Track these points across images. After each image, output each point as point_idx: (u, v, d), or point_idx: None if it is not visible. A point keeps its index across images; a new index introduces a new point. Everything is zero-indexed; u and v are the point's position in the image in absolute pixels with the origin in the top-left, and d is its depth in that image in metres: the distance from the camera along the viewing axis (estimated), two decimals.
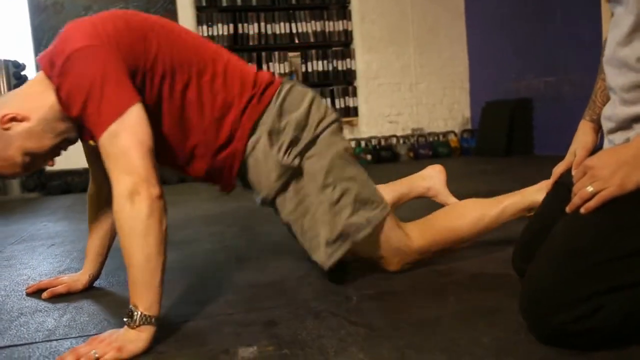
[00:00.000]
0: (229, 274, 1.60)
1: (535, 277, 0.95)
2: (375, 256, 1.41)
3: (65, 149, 1.28)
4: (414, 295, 1.29)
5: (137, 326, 1.06)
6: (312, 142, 1.33)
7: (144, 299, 1.06)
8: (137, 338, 1.06)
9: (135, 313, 1.06)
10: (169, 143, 1.29)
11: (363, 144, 6.27)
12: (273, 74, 1.41)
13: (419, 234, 1.42)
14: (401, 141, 6.38)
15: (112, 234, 1.51)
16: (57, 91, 1.17)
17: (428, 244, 1.43)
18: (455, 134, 6.47)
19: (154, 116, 1.20)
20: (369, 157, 6.07)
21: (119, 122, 1.08)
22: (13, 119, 1.19)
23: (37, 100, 1.20)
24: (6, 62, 4.95)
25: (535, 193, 1.48)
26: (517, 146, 5.54)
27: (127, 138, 1.08)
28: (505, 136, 5.57)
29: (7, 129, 1.19)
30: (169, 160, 1.33)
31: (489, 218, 1.47)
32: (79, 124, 1.20)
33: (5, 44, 5.85)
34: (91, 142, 1.32)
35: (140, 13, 1.26)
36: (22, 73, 5.01)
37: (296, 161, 1.30)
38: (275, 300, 1.33)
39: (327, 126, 1.35)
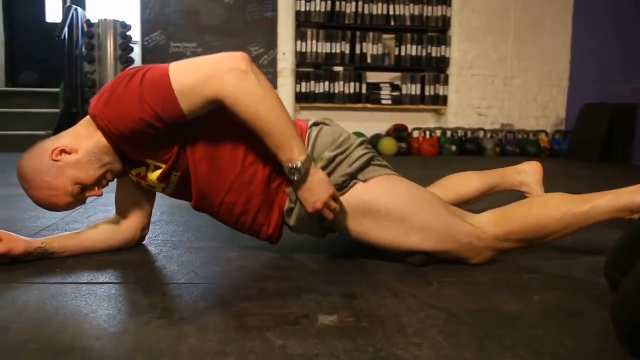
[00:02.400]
0: (314, 247, 1.64)
1: (633, 288, 0.92)
2: (451, 255, 1.40)
3: (111, 180, 1.39)
4: (495, 288, 1.28)
5: (307, 174, 1.26)
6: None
7: (293, 147, 1.23)
8: (321, 179, 1.29)
9: (297, 164, 1.24)
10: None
11: (449, 134, 6.16)
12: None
13: (494, 223, 1.39)
14: (489, 135, 6.22)
15: (94, 250, 1.50)
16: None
17: (504, 233, 1.38)
18: (547, 134, 6.22)
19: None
20: (453, 148, 5.96)
21: (173, 71, 1.23)
22: (63, 151, 1.33)
23: (85, 135, 1.34)
24: (115, 22, 5.23)
25: (634, 194, 1.39)
26: (613, 153, 5.26)
27: (189, 66, 1.24)
28: (602, 141, 5.30)
29: (57, 161, 1.32)
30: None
31: (575, 213, 1.39)
32: (124, 155, 1.35)
33: (115, 4, 6.17)
34: (132, 175, 1.41)
35: None
36: (128, 34, 5.28)
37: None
38: (356, 276, 1.35)
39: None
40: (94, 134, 1.33)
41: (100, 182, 1.37)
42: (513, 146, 6.08)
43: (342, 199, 1.35)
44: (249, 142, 1.34)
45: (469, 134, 6.20)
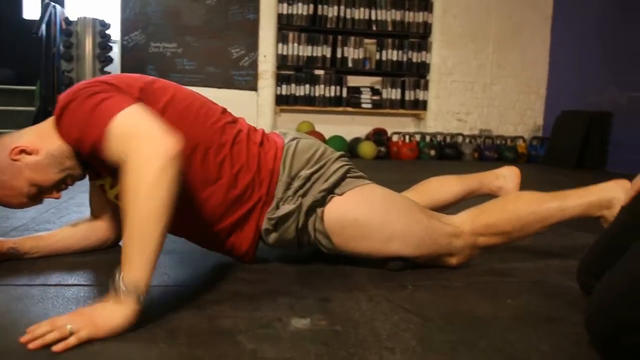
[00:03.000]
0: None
1: (607, 294, 0.92)
2: (431, 257, 1.40)
3: (71, 184, 1.33)
4: (469, 291, 1.28)
5: (119, 301, 0.97)
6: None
7: (134, 269, 0.98)
8: (119, 315, 0.96)
9: (121, 284, 0.97)
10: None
11: (428, 138, 6.19)
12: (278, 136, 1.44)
13: (471, 220, 1.40)
14: (467, 140, 6.26)
15: (68, 251, 1.47)
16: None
17: (481, 227, 1.39)
18: (524, 140, 6.28)
19: None
20: (432, 152, 5.99)
21: (121, 114, 1.10)
22: (23, 151, 1.25)
23: (48, 135, 1.26)
24: (94, 20, 5.16)
25: (606, 190, 1.43)
26: (589, 160, 5.33)
27: (133, 119, 1.10)
28: (578, 148, 5.37)
29: (16, 160, 1.25)
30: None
31: (549, 207, 1.41)
32: (86, 161, 1.27)
33: (94, 2, 6.08)
34: (98, 182, 1.39)
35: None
36: (107, 32, 5.21)
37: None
38: (332, 280, 1.34)
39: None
40: (57, 134, 1.25)
41: (59, 186, 1.31)
42: (491, 151, 6.13)
43: (322, 211, 1.34)
44: (215, 167, 1.29)
45: (448, 139, 6.23)
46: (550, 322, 1.10)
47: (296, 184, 1.34)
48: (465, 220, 1.40)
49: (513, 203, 1.43)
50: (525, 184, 1.77)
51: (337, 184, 1.37)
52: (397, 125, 6.21)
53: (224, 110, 1.39)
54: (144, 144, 1.04)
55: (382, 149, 5.83)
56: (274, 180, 1.34)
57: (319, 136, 5.72)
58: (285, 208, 1.33)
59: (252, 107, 5.93)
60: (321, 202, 1.35)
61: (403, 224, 1.35)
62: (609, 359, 0.91)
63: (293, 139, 1.42)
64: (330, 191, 1.35)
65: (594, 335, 0.94)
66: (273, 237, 1.36)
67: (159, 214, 1.00)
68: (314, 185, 1.35)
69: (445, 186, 1.82)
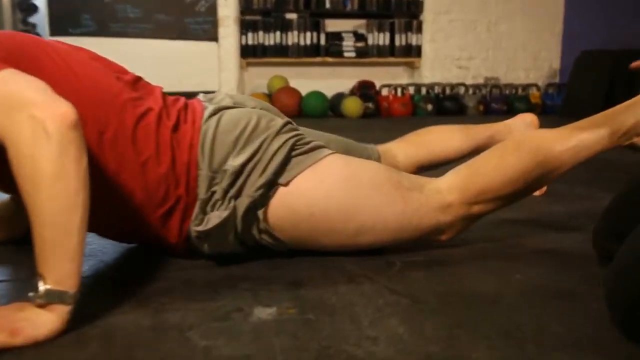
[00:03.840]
0: None
1: (630, 257, 0.91)
2: (415, 239, 1.37)
3: None
4: (469, 267, 1.28)
5: (44, 303, 0.94)
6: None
7: (54, 268, 0.95)
8: (42, 320, 0.94)
9: (41, 287, 0.94)
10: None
11: (424, 90, 6.17)
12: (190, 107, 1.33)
13: (459, 186, 1.34)
14: (470, 91, 6.26)
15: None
16: None
17: (473, 195, 1.34)
18: (538, 88, 6.30)
19: None
20: (429, 107, 5.98)
21: None
22: None
23: None
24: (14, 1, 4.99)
25: (623, 114, 1.35)
26: None
27: (8, 85, 0.99)
28: (602, 95, 5.38)
29: None
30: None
31: (560, 152, 1.34)
32: None
33: None
34: None
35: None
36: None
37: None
38: (304, 260, 1.33)
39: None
40: None
41: None
42: (499, 103, 6.14)
43: (265, 211, 1.27)
44: (111, 158, 1.20)
45: (448, 90, 6.23)
46: (565, 299, 1.10)
47: (224, 181, 1.24)
48: (454, 187, 1.34)
49: (514, 155, 1.36)
50: None
51: (280, 170, 1.27)
52: (386, 77, 6.18)
53: (134, 80, 1.30)
54: (30, 116, 0.94)
55: (370, 105, 5.82)
56: (192, 175, 1.25)
57: (294, 93, 5.68)
58: (214, 218, 1.24)
59: (212, 62, 5.86)
60: (261, 201, 1.26)
61: (373, 211, 1.29)
62: (631, 337, 0.90)
63: (215, 113, 1.31)
64: (271, 183, 1.26)
65: (614, 309, 0.93)
66: (206, 247, 1.28)
67: (71, 200, 0.96)
68: (249, 179, 1.25)
69: (447, 139, 1.78)
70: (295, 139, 1.31)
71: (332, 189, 1.28)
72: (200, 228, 1.23)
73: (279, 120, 1.33)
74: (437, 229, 1.35)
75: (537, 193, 1.82)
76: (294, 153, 1.29)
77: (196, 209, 1.25)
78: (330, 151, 1.34)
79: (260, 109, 1.37)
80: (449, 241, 1.41)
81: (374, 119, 5.67)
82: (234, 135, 1.27)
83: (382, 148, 1.71)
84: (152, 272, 1.25)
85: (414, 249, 1.38)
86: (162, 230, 1.26)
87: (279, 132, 1.30)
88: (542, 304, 1.07)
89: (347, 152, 1.49)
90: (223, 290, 1.14)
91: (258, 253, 1.34)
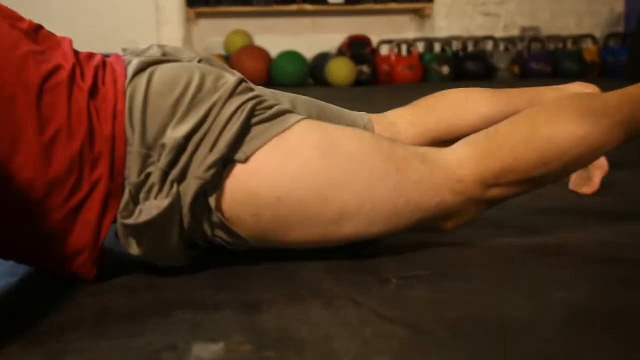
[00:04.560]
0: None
1: None
2: (414, 228, 1.39)
3: None
4: (490, 281, 1.27)
5: None
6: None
7: None
8: None
9: None
10: None
11: (437, 47, 6.18)
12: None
13: (474, 158, 1.36)
14: (501, 47, 6.28)
15: None
16: None
17: (492, 173, 1.35)
18: (595, 40, 6.32)
19: None
20: (445, 69, 6.00)
21: None
22: None
23: None
24: None
25: None
26: None
27: None
28: None
29: None
30: None
31: (610, 125, 1.36)
32: None
33: None
34: None
35: None
36: None
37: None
38: (267, 277, 1.33)
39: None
40: None
41: None
42: (541, 62, 6.16)
43: (219, 197, 1.28)
44: (6, 128, 1.17)
45: (470, 47, 6.25)
46: (625, 326, 1.08)
47: (163, 159, 1.23)
48: (467, 160, 1.36)
49: (549, 125, 1.37)
50: None
51: (236, 143, 1.27)
52: (386, 30, 6.19)
53: (34, 30, 1.30)
54: None
55: (365, 68, 5.83)
56: (119, 152, 1.24)
57: (261, 55, 5.66)
58: (150, 208, 1.23)
59: (149, 14, 5.85)
60: (213, 183, 1.26)
61: (359, 187, 1.31)
62: None
63: (142, 69, 1.31)
64: (225, 159, 1.27)
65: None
66: (137, 249, 1.28)
67: None
68: (195, 156, 1.25)
69: (469, 101, 1.79)
70: (253, 102, 1.31)
71: (304, 165, 1.29)
72: (130, 221, 1.23)
73: (230, 78, 1.33)
74: (442, 212, 1.37)
75: (587, 190, 1.85)
76: (253, 120, 1.30)
77: (124, 198, 1.25)
78: (299, 116, 1.34)
79: (199, 61, 1.38)
80: (463, 247, 1.43)
81: (370, 88, 5.69)
82: (171, 98, 1.28)
83: (376, 116, 1.73)
84: (53, 299, 1.23)
85: (416, 261, 1.38)
86: (67, 235, 1.24)
87: (232, 94, 1.30)
88: (591, 330, 1.06)
89: (323, 118, 1.50)
90: (151, 320, 1.13)
91: (200, 266, 1.34)
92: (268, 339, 1.04)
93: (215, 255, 1.42)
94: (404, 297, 1.20)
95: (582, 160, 1.40)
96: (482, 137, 1.40)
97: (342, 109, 1.68)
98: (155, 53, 1.38)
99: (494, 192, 1.37)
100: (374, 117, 1.70)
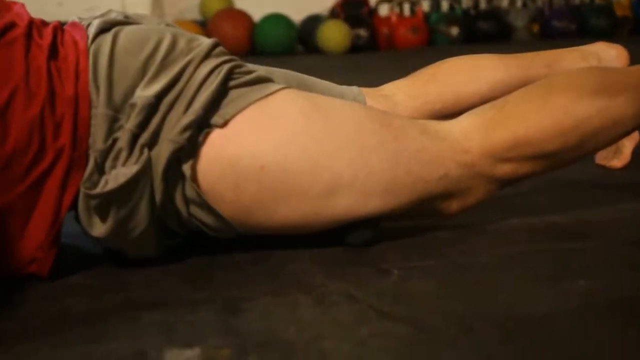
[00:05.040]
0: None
1: None
2: (415, 208, 1.39)
3: None
4: (504, 271, 1.28)
5: None
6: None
7: None
8: None
9: None
10: None
11: (445, 5, 6.17)
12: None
13: (482, 129, 1.38)
14: (518, 3, 6.27)
15: None
16: None
17: (503, 145, 1.37)
18: None
19: None
20: (454, 31, 6.00)
21: None
22: None
23: None
24: None
25: None
26: None
27: None
28: None
29: None
30: None
31: (625, 91, 1.39)
32: None
33: None
34: None
35: None
36: None
37: None
38: (251, 272, 1.33)
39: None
40: None
41: None
42: (564, 19, 6.16)
43: (194, 166, 1.29)
44: None
45: (483, 4, 6.23)
46: None
47: (132, 121, 1.25)
48: (474, 131, 1.37)
49: (564, 95, 1.39)
50: None
51: (213, 106, 1.29)
52: None
53: None
54: None
55: (362, 32, 5.83)
56: (83, 115, 1.25)
57: (242, 19, 5.65)
58: (118, 176, 1.24)
59: None
60: (189, 149, 1.28)
61: (352, 155, 1.32)
62: None
63: (105, 29, 1.33)
64: (202, 122, 1.28)
65: None
66: (101, 228, 1.28)
67: None
68: (168, 117, 1.27)
69: (475, 67, 1.80)
70: (231, 64, 1.33)
71: (290, 130, 1.31)
72: (96, 191, 1.23)
73: (205, 40, 1.36)
74: (447, 188, 1.38)
75: (617, 163, 1.86)
76: (231, 84, 1.32)
77: (89, 168, 1.26)
78: (281, 85, 1.36)
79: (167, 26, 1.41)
80: (471, 232, 1.44)
81: (368, 55, 5.68)
82: (141, 57, 1.30)
83: (369, 90, 1.75)
84: (2, 304, 1.23)
85: (419, 249, 1.38)
86: (28, 213, 1.26)
87: (207, 55, 1.32)
88: (616, 323, 1.06)
89: (305, 90, 1.51)
90: (117, 324, 1.13)
91: (174, 261, 1.35)
92: (251, 342, 1.05)
93: (191, 249, 1.43)
94: (406, 291, 1.21)
95: (603, 136, 1.41)
96: (489, 107, 1.41)
97: (327, 82, 1.69)
98: (117, 17, 1.39)
99: (505, 168, 1.38)
100: (365, 90, 1.71)
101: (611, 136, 1.43)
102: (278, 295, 1.21)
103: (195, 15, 5.89)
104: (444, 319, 1.10)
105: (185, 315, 1.15)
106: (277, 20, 5.69)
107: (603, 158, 1.92)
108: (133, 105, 1.26)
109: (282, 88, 1.35)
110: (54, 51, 1.28)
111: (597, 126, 1.37)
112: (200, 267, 1.35)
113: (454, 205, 1.41)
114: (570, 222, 1.50)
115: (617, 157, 1.89)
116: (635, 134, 1.86)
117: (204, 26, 5.61)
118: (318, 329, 1.09)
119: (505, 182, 1.42)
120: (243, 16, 5.69)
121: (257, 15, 5.70)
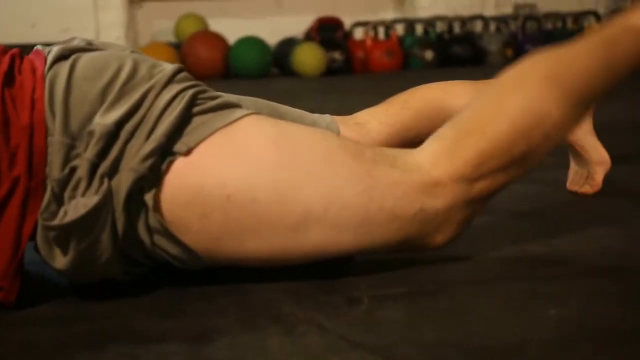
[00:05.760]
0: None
1: None
2: (394, 245, 1.37)
3: None
4: (477, 298, 1.28)
5: None
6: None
7: None
8: None
9: None
10: None
11: (420, 29, 6.19)
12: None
13: (446, 154, 1.36)
14: (492, 27, 6.31)
15: None
16: None
17: (471, 165, 1.34)
18: (598, 17, 6.37)
19: None
20: (428, 55, 6.02)
21: None
22: None
23: None
24: None
25: None
26: None
27: None
28: None
29: None
30: None
31: (578, 74, 1.41)
32: None
33: None
34: None
35: None
36: None
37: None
38: (219, 301, 1.32)
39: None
40: None
41: None
42: (536, 44, 6.19)
43: (158, 195, 1.27)
44: None
45: (457, 28, 6.27)
46: (631, 344, 1.09)
47: (90, 150, 1.23)
48: (439, 157, 1.35)
49: (516, 93, 1.39)
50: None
51: (176, 133, 1.27)
52: (361, 10, 6.21)
53: None
54: None
55: (337, 55, 5.84)
56: (38, 143, 1.23)
57: (217, 42, 5.65)
58: (77, 207, 1.21)
59: None
60: (151, 178, 1.25)
61: (323, 187, 1.30)
62: None
63: (63, 57, 1.31)
64: (164, 150, 1.26)
65: None
66: (63, 260, 1.26)
67: None
68: (129, 145, 1.25)
69: (448, 95, 1.80)
70: (194, 89, 1.32)
71: (257, 159, 1.30)
72: (55, 222, 1.21)
73: (168, 66, 1.34)
74: (425, 223, 1.35)
75: (588, 189, 1.87)
76: (195, 110, 1.30)
77: (46, 197, 1.23)
78: (248, 110, 1.35)
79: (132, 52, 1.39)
80: (443, 260, 1.43)
81: (343, 78, 5.69)
82: (99, 83, 1.28)
83: (342, 118, 1.73)
84: None
85: (391, 275, 1.38)
86: None
87: (170, 81, 1.31)
88: (594, 356, 1.06)
89: (276, 118, 1.51)
90: (82, 356, 1.12)
91: (141, 290, 1.33)
92: None
93: (159, 278, 1.42)
94: (377, 320, 1.20)
95: (567, 122, 1.41)
96: (448, 128, 1.40)
97: (299, 110, 1.68)
98: (79, 44, 1.38)
99: (480, 186, 1.36)
100: (339, 118, 1.70)
101: (576, 119, 1.44)
102: (246, 325, 1.20)
103: (169, 37, 5.89)
104: (415, 348, 1.09)
105: (151, 346, 1.13)
106: (252, 43, 5.69)
107: (575, 184, 1.93)
108: (91, 133, 1.23)
109: (249, 114, 1.34)
110: (9, 79, 1.27)
111: (558, 117, 1.37)
112: (168, 296, 1.34)
113: (438, 238, 1.38)
114: (542, 250, 1.50)
115: (589, 184, 1.90)
116: (607, 160, 1.87)
117: (178, 49, 5.60)
118: (287, 359, 1.08)
119: (485, 198, 1.39)
120: (218, 39, 5.69)
121: (232, 38, 5.70)
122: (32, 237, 1.28)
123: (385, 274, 1.39)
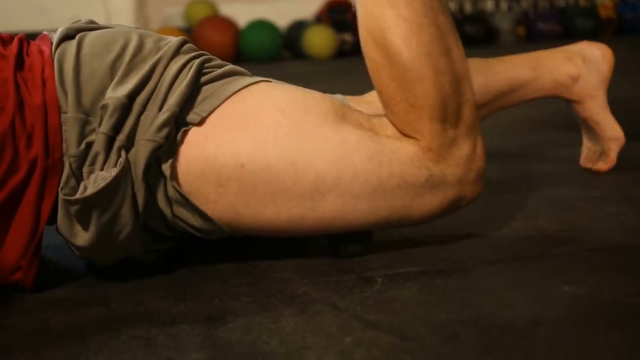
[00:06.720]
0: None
1: None
2: (410, 203, 1.35)
3: None
4: (490, 277, 1.28)
5: None
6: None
7: None
8: None
9: None
10: None
11: None
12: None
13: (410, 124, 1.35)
14: (503, 6, 6.27)
15: None
16: None
17: (437, 112, 1.33)
18: None
19: None
20: None
21: None
22: None
23: None
24: None
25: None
26: None
27: None
28: None
29: None
30: None
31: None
32: None
33: None
34: None
35: None
36: None
37: None
38: (232, 282, 1.32)
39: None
40: None
41: None
42: (550, 21, 6.15)
43: (174, 165, 1.28)
44: None
45: (468, 6, 6.23)
46: None
47: (105, 123, 1.24)
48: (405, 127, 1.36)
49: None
50: (620, 77, 1.76)
51: (188, 101, 1.29)
52: None
53: None
54: None
55: (347, 37, 5.79)
56: (52, 122, 1.24)
57: (227, 26, 5.64)
58: (97, 180, 1.23)
59: None
60: (167, 148, 1.27)
61: (332, 155, 1.30)
62: None
63: (68, 36, 1.33)
64: (177, 121, 1.27)
65: None
66: (85, 236, 1.27)
67: None
68: (143, 116, 1.26)
69: None
70: (201, 58, 1.33)
71: (267, 128, 1.30)
72: (76, 196, 1.22)
73: (173, 39, 1.35)
74: (435, 187, 1.34)
75: (602, 166, 1.87)
76: (203, 79, 1.32)
77: (65, 173, 1.25)
78: (256, 78, 1.36)
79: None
80: (457, 238, 1.45)
81: (354, 60, 5.65)
82: (108, 58, 1.30)
83: (354, 97, 1.75)
84: None
85: (404, 254, 1.38)
86: (6, 225, 1.25)
87: (176, 52, 1.32)
88: (600, 331, 1.06)
89: None
90: (97, 340, 1.11)
91: (156, 273, 1.34)
92: (232, 355, 1.04)
93: (172, 261, 1.43)
94: (390, 299, 1.20)
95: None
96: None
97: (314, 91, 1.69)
98: (82, 25, 1.39)
99: (461, 121, 1.36)
100: (350, 98, 1.69)
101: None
102: (260, 306, 1.20)
103: (180, 22, 5.87)
104: (427, 327, 1.09)
105: (166, 329, 1.14)
106: (262, 26, 5.66)
107: (589, 160, 1.93)
108: (105, 107, 1.24)
109: (257, 81, 1.35)
110: (20, 62, 1.28)
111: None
112: (182, 279, 1.34)
113: (467, 190, 1.36)
114: (555, 227, 1.50)
115: (603, 160, 1.89)
116: (620, 136, 1.86)
117: (189, 33, 5.58)
118: (301, 339, 1.08)
119: (475, 116, 1.38)
120: (228, 23, 5.67)
121: (242, 21, 5.68)
122: (50, 221, 1.29)
123: (398, 254, 1.38)
